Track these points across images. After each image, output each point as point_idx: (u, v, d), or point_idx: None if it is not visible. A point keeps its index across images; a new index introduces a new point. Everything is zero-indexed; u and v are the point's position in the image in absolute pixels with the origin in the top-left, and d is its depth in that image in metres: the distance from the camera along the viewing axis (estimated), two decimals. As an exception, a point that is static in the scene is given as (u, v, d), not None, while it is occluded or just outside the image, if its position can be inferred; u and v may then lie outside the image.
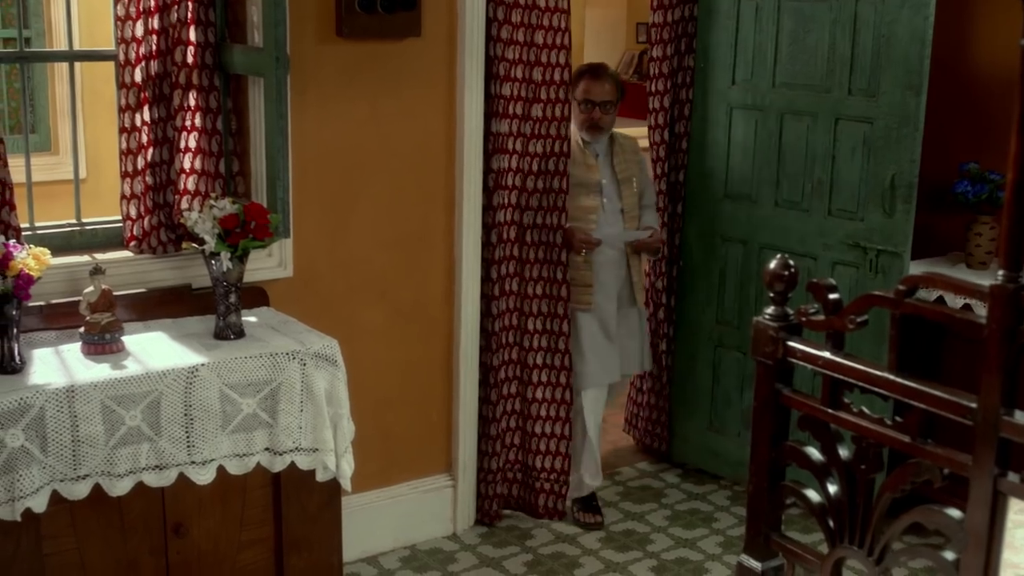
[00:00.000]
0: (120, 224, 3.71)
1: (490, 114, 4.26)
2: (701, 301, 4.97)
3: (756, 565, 2.70)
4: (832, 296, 2.44)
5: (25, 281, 3.09)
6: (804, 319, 2.50)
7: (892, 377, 2.29)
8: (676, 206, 4.99)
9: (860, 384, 2.37)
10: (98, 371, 3.15)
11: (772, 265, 2.55)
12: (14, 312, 3.11)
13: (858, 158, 4.37)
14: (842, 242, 4.44)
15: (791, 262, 2.55)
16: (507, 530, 4.57)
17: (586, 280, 4.58)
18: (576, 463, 4.73)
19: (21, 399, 2.97)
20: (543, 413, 4.59)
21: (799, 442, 2.61)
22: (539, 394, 4.58)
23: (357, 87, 3.96)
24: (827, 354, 2.43)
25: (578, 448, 4.74)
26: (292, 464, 3.39)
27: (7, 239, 3.20)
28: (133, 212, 3.67)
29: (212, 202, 3.43)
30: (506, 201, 4.34)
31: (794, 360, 2.53)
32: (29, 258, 3.12)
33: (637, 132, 5.16)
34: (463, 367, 4.40)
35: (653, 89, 4.88)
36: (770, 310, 2.56)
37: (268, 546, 3.49)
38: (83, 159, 4.30)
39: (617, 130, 4.70)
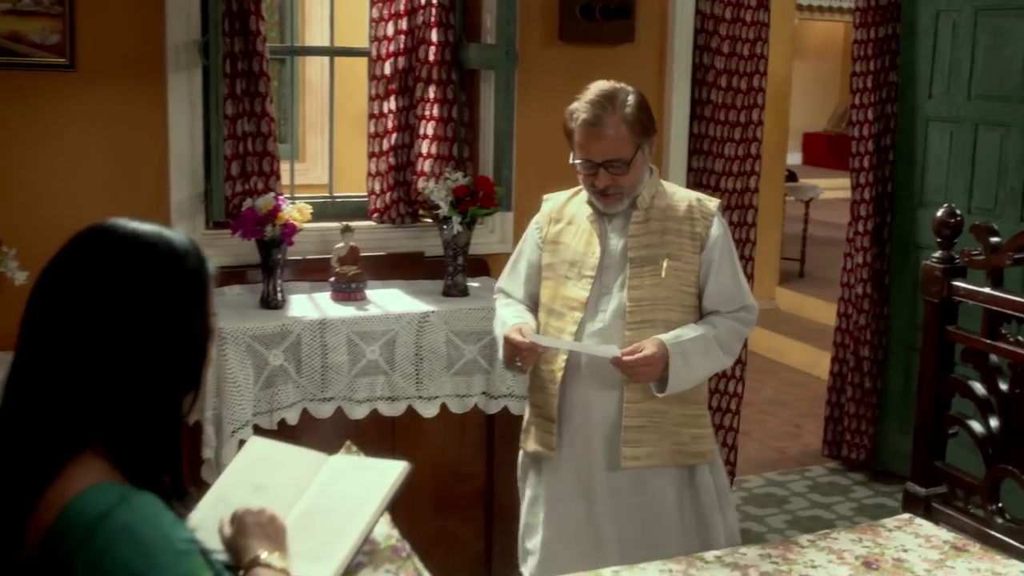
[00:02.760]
0: (366, 198, 4.26)
1: (695, 117, 4.63)
2: (897, 306, 5.17)
3: (920, 491, 2.95)
4: (993, 239, 2.71)
5: (290, 229, 3.65)
6: (968, 259, 2.77)
7: (1044, 305, 2.55)
8: (885, 216, 5.20)
9: (1016, 314, 2.63)
10: (345, 311, 3.68)
11: (939, 213, 2.84)
12: (280, 256, 3.67)
13: (1051, 166, 4.55)
14: (1033, 247, 4.60)
15: (957, 211, 2.83)
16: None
17: (548, 411, 2.99)
18: None
19: (282, 326, 3.52)
20: (713, 403, 4.71)
21: (964, 376, 2.87)
22: (712, 384, 4.72)
23: (575, 86, 4.32)
24: (987, 289, 2.70)
25: None
26: (505, 408, 3.81)
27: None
28: (377, 187, 4.21)
29: (447, 174, 3.94)
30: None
31: (958, 298, 2.80)
32: (294, 211, 3.68)
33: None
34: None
35: (857, 103, 5.15)
36: (937, 254, 2.85)
37: (480, 482, 3.92)
38: (326, 165, 4.86)
39: (671, 185, 3.08)
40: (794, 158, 15.29)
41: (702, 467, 3.00)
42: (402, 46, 4.16)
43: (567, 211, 3.04)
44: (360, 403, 3.64)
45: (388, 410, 3.69)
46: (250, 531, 1.72)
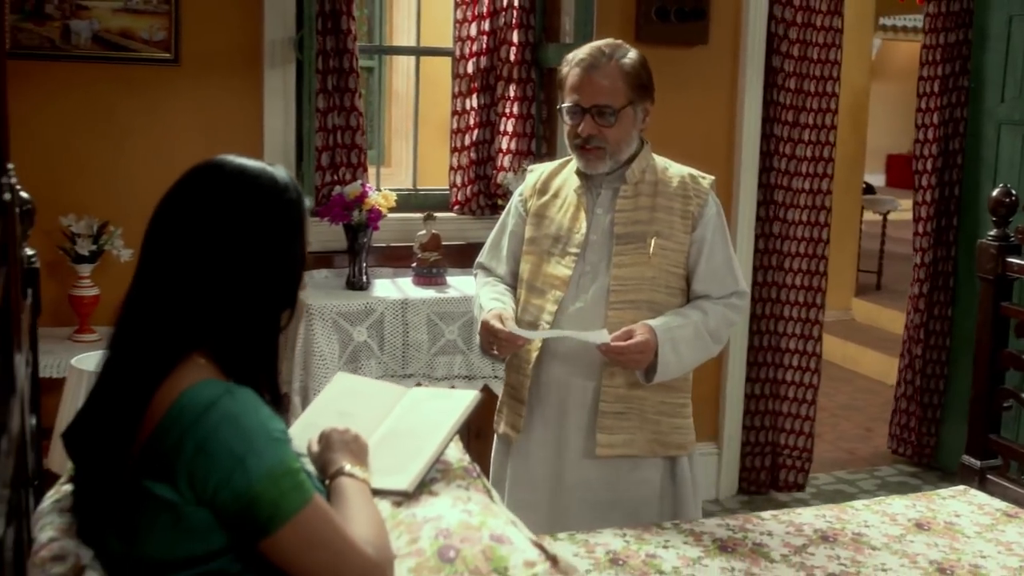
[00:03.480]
0: (447, 191, 4.46)
1: (768, 119, 4.76)
2: (963, 309, 5.23)
3: (975, 463, 3.05)
4: (1047, 216, 2.82)
5: (375, 215, 3.86)
6: (1022, 236, 2.88)
7: (1094, 277, 2.64)
8: (952, 219, 5.26)
9: (1067, 287, 2.72)
10: (426, 293, 3.88)
11: (995, 192, 2.95)
12: (365, 240, 3.88)
13: (1122, 168, 4.60)
14: (1104, 248, 4.64)
15: (1013, 190, 2.94)
16: (767, 499, 4.97)
17: (519, 393, 2.84)
18: None
19: (366, 304, 3.73)
20: (791, 395, 4.93)
21: (1018, 350, 2.97)
22: (789, 376, 4.92)
23: (650, 86, 4.57)
24: (1040, 265, 2.81)
25: None
26: (577, 390, 3.96)
27: (362, 186, 3.99)
28: (458, 181, 4.41)
29: (525, 168, 4.12)
30: (776, 198, 4.81)
31: (1012, 274, 2.91)
32: (380, 197, 3.90)
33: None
34: (732, 346, 4.86)
35: (923, 107, 5.24)
36: (992, 232, 2.96)
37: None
38: (410, 171, 5.07)
39: (663, 160, 2.84)
40: (878, 179, 15.28)
41: (682, 459, 2.84)
42: (484, 46, 4.37)
43: (554, 183, 2.86)
44: (439, 380, 3.83)
45: (465, 388, 3.86)
46: (336, 447, 1.91)
